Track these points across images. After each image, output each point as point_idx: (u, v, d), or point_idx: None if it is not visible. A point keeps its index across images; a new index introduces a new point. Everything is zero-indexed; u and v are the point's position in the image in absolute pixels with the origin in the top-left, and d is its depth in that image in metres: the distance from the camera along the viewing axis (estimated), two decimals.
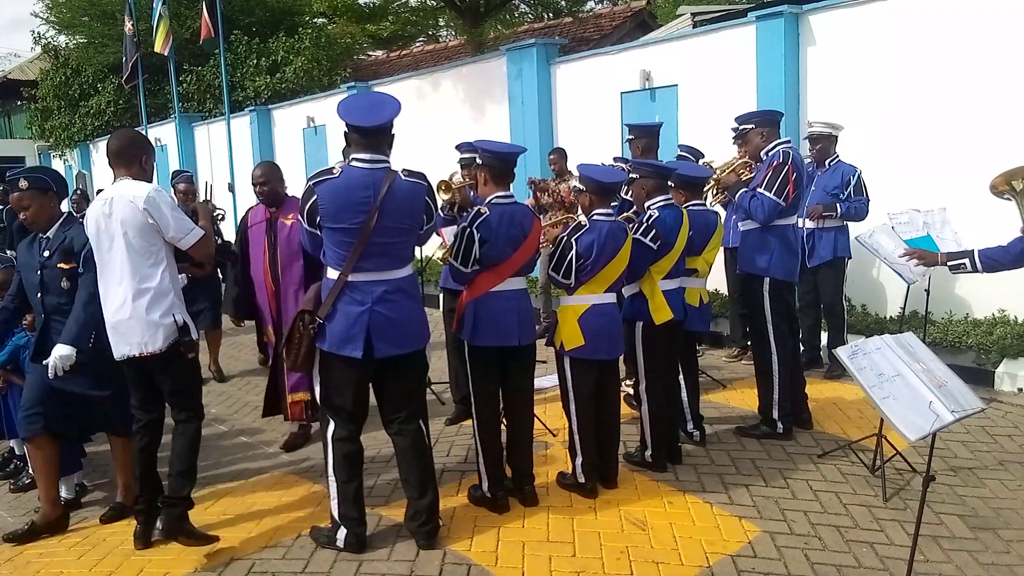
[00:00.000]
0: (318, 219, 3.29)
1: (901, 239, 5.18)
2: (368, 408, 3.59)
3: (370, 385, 3.56)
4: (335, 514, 3.52)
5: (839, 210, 5.81)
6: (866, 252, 5.54)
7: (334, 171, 3.29)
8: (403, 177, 3.34)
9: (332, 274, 3.37)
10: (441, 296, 5.60)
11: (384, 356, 3.38)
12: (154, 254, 3.52)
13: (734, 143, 5.96)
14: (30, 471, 4.73)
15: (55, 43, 20.90)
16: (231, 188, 15.79)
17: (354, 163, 3.29)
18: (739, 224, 4.96)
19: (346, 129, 3.35)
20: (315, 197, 3.26)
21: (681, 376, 4.66)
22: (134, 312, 3.49)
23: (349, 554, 3.47)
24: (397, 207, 3.30)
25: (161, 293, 3.53)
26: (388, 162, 3.35)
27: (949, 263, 3.98)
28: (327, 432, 3.51)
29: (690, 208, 4.47)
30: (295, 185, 3.52)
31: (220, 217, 5.40)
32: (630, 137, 5.41)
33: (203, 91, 17.10)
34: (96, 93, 19.80)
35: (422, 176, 3.45)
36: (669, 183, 4.55)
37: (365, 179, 3.25)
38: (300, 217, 3.38)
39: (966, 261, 3.91)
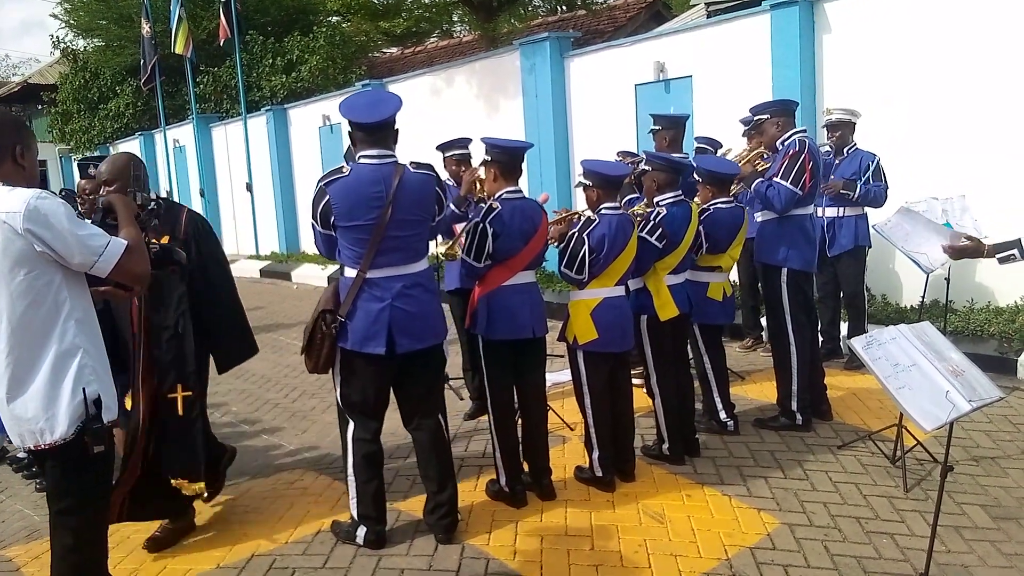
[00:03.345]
0: (332, 219, 3.29)
1: (926, 219, 5.09)
2: (388, 406, 3.60)
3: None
4: (354, 513, 3.54)
5: (858, 190, 5.76)
6: (886, 241, 5.49)
7: (343, 170, 3.30)
8: (412, 170, 3.35)
9: (350, 273, 3.38)
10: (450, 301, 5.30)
11: (406, 352, 3.38)
12: (49, 296, 2.38)
13: (744, 135, 5.93)
14: None
15: (73, 47, 21.13)
16: (249, 188, 15.92)
17: (362, 160, 3.30)
18: (756, 215, 4.93)
19: (350, 128, 3.36)
20: (327, 198, 3.27)
21: (709, 369, 4.67)
22: (22, 389, 2.39)
23: (368, 549, 3.50)
24: (409, 199, 3.31)
25: (65, 354, 2.40)
26: (395, 157, 3.36)
27: (997, 256, 3.85)
28: (347, 432, 3.53)
29: (718, 206, 4.45)
30: (313, 183, 3.44)
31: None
32: (656, 128, 5.32)
33: (220, 92, 17.23)
34: (115, 96, 20.02)
35: (430, 167, 3.46)
36: (696, 178, 4.53)
37: (375, 174, 3.27)
38: (314, 220, 3.36)
39: (1015, 251, 3.78)
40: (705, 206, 4.49)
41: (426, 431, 3.57)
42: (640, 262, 4.10)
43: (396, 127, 3.39)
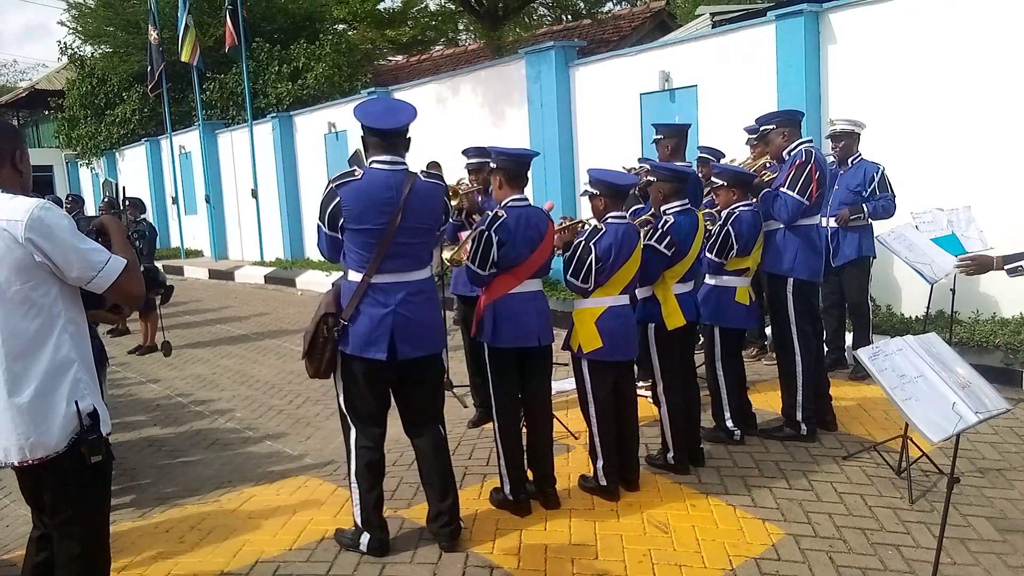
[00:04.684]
0: (341, 222, 3.29)
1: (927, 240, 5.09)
2: (389, 409, 3.60)
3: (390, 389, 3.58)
4: (358, 520, 3.54)
5: (866, 211, 5.76)
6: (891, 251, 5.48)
7: (356, 173, 3.31)
8: (423, 178, 3.39)
9: (354, 276, 3.37)
10: (456, 302, 5.58)
11: (406, 358, 3.39)
12: (44, 308, 2.35)
13: (747, 143, 5.94)
14: None
15: (81, 53, 21.25)
16: (254, 194, 15.98)
17: (375, 165, 3.32)
18: (762, 224, 4.93)
19: (363, 132, 3.38)
20: (338, 199, 3.27)
21: (721, 376, 4.67)
22: (12, 401, 2.34)
23: (372, 557, 3.49)
24: (419, 207, 3.33)
25: (59, 367, 2.37)
26: (406, 164, 3.39)
27: (1006, 267, 3.83)
28: (350, 439, 3.53)
29: (741, 209, 4.50)
30: (318, 190, 3.48)
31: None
32: (658, 137, 5.36)
33: (226, 98, 17.31)
34: (121, 102, 20.12)
35: (440, 178, 3.50)
36: (719, 183, 4.57)
37: (388, 180, 3.29)
38: (321, 221, 3.36)
39: (1022, 263, 3.75)
40: (730, 209, 4.52)
41: (428, 439, 3.58)
42: (648, 271, 4.10)
43: (409, 136, 3.42)
